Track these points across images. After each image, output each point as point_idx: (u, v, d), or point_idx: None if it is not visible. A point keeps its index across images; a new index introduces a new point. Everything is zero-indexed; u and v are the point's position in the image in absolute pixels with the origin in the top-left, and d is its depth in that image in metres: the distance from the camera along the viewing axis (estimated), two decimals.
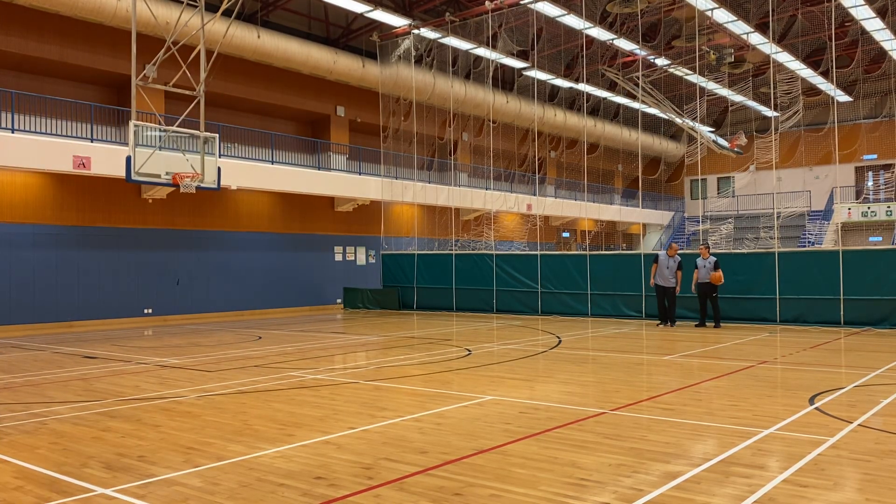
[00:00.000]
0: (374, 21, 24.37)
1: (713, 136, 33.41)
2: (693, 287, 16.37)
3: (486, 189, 29.48)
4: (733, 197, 39.09)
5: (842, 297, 16.16)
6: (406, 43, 24.76)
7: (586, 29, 25.02)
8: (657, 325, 16.88)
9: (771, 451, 5.61)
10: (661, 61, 29.21)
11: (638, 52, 27.06)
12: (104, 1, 18.60)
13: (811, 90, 31.98)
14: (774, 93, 26.79)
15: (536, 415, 7.07)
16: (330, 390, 8.79)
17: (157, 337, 16.32)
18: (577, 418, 6.86)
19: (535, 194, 31.52)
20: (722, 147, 31.31)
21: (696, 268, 16.21)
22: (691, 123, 28.08)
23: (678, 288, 16.39)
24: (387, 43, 25.28)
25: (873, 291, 15.85)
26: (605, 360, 11.40)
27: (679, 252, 17.08)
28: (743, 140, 30.91)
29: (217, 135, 17.41)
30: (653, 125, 38.10)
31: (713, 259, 16.21)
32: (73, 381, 9.63)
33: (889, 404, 7.41)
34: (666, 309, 16.64)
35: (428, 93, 26.10)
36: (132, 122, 15.26)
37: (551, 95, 32.23)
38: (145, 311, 20.68)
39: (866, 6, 23.92)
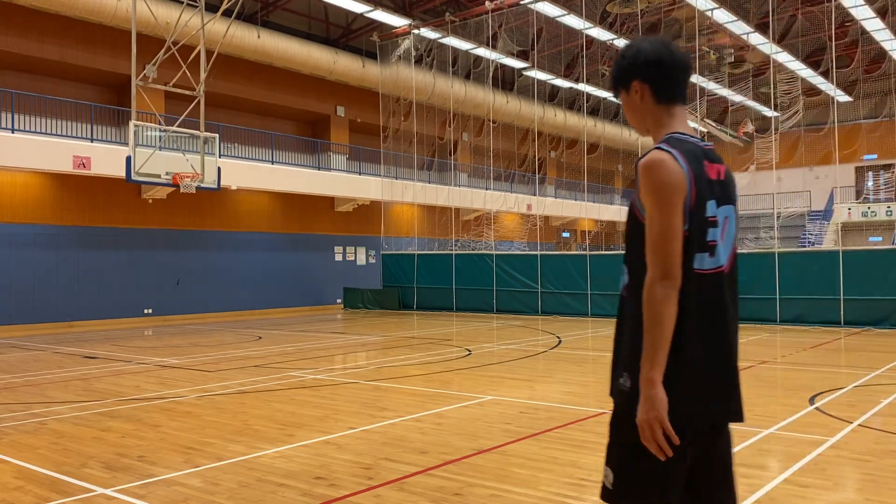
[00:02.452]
0: (374, 21, 24.37)
1: (719, 126, 33.45)
2: None
3: (486, 189, 29.48)
4: None
5: (842, 297, 16.16)
6: (406, 43, 24.76)
7: (586, 29, 25.01)
8: None
9: (771, 451, 5.61)
10: None
11: None
12: (104, 1, 18.60)
13: (811, 90, 31.98)
14: (774, 93, 26.80)
15: (536, 415, 7.07)
16: (330, 390, 8.79)
17: (157, 337, 16.31)
18: (577, 418, 6.86)
19: (535, 194, 31.52)
20: (730, 135, 31.30)
21: None
22: (697, 116, 28.12)
23: None
24: (387, 43, 25.28)
25: (873, 291, 15.84)
26: (605, 360, 11.39)
27: None
28: (750, 127, 30.88)
29: (217, 135, 17.42)
30: None
31: None
32: (73, 381, 9.63)
33: (889, 404, 7.41)
34: None
35: (428, 93, 26.10)
36: (132, 122, 15.28)
37: (551, 95, 32.23)
38: (145, 311, 20.68)
39: (866, 6, 23.92)
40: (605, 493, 2.35)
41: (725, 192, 2.37)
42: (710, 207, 2.27)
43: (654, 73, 2.35)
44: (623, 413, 2.31)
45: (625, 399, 2.29)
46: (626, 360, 2.28)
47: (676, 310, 2.16)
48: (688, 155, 2.24)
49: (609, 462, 2.35)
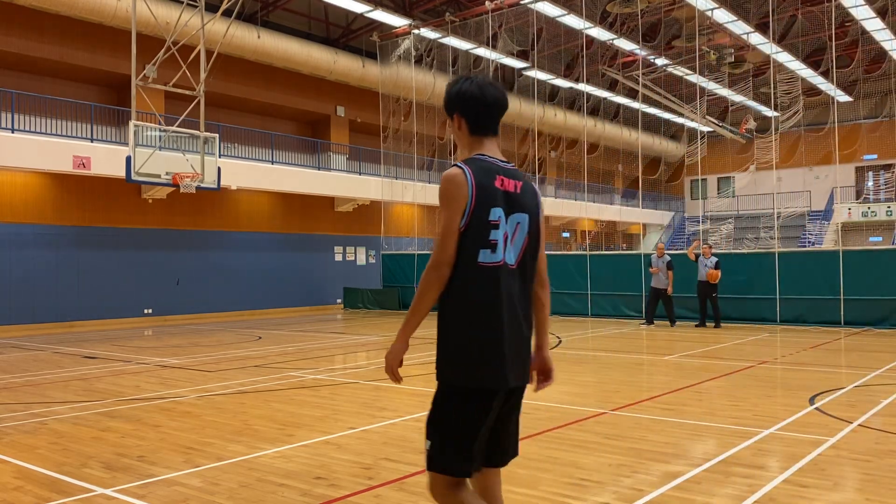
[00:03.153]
0: (374, 21, 24.37)
1: (720, 123, 33.42)
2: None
3: None
4: (733, 197, 39.07)
5: (842, 297, 16.16)
6: (406, 43, 24.75)
7: (586, 29, 25.01)
8: (641, 324, 16.98)
9: (771, 451, 5.61)
10: (661, 61, 29.20)
11: (638, 52, 27.08)
12: (104, 1, 18.60)
13: (811, 90, 31.98)
14: (774, 93, 26.79)
15: (536, 415, 7.07)
16: (330, 390, 8.79)
17: (157, 337, 16.32)
18: (577, 418, 6.85)
19: None
20: (732, 132, 31.23)
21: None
22: (698, 114, 28.11)
23: (670, 288, 16.45)
24: (387, 43, 25.28)
25: (873, 291, 15.84)
26: (605, 360, 11.40)
27: (671, 252, 17.11)
28: (752, 124, 30.86)
29: (217, 135, 17.43)
30: (653, 125, 38.10)
31: (714, 259, 16.24)
32: (73, 381, 9.63)
33: (889, 404, 7.41)
34: (654, 310, 16.79)
35: (428, 93, 26.09)
36: (132, 122, 15.29)
37: (551, 95, 32.22)
38: (145, 311, 20.68)
39: (866, 6, 23.92)
40: (427, 461, 2.88)
41: (519, 203, 2.86)
42: (494, 213, 2.77)
43: (469, 110, 2.89)
44: (437, 390, 2.88)
45: (437, 377, 2.85)
46: (439, 344, 2.86)
47: (439, 291, 2.76)
48: (478, 171, 2.78)
49: (427, 434, 2.86)
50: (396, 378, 2.88)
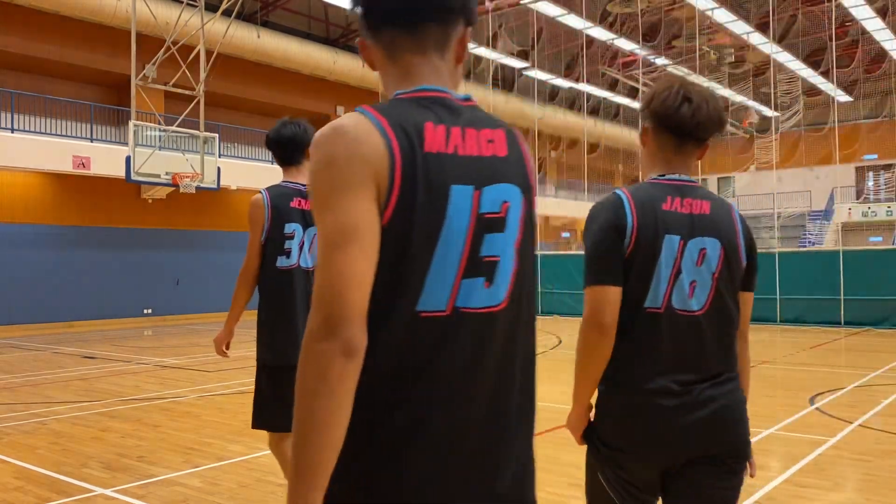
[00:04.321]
0: None
1: None
2: None
3: None
4: (733, 197, 39.08)
5: (842, 297, 16.15)
6: None
7: (586, 29, 25.02)
8: None
9: (771, 451, 5.61)
10: (661, 61, 29.21)
11: (638, 51, 27.08)
12: (104, 1, 18.59)
13: (811, 90, 31.98)
14: (775, 93, 26.80)
15: (537, 415, 7.06)
16: None
17: (157, 337, 16.31)
18: None
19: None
20: (734, 125, 31.27)
21: None
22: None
23: None
24: None
25: (873, 291, 15.84)
26: None
27: None
28: (754, 118, 30.87)
29: (217, 135, 17.45)
30: None
31: None
32: (73, 381, 9.63)
33: (889, 404, 7.41)
34: None
35: None
36: (132, 122, 15.31)
37: (551, 95, 32.22)
38: (145, 311, 20.67)
39: (866, 6, 23.92)
40: (251, 421, 3.69)
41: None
42: (289, 228, 3.62)
43: (271, 150, 3.77)
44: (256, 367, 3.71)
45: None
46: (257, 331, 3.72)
47: (248, 291, 3.66)
48: (276, 196, 3.65)
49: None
50: (223, 355, 3.75)
